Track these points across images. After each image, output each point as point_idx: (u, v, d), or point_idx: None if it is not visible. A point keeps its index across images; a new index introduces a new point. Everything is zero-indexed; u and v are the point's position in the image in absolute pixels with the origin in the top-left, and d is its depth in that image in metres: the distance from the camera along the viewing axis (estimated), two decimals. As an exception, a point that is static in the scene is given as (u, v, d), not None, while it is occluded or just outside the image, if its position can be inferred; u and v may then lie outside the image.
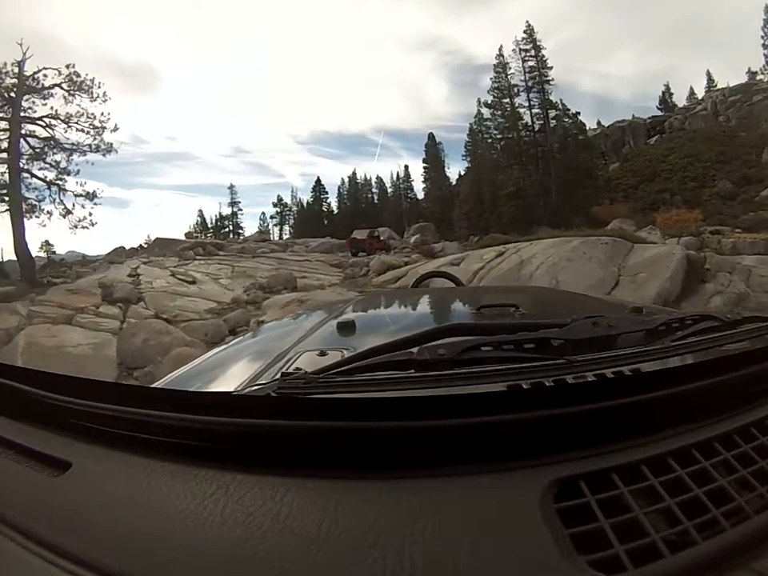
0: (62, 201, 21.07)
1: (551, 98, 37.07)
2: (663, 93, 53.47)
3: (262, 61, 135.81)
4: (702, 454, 0.53)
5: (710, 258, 11.38)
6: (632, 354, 0.78)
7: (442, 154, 51.45)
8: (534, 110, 36.83)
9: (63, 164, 21.06)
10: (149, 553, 0.45)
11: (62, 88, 20.64)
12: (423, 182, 51.91)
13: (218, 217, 62.47)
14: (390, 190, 59.19)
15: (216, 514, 0.47)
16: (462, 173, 46.53)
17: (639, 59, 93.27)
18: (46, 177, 20.93)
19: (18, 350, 8.71)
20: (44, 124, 20.59)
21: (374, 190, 61.75)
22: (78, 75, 20.85)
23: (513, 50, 37.15)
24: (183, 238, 36.99)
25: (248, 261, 22.18)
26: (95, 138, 21.33)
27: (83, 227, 21.42)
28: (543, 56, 36.93)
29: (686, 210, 25.29)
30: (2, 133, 19.87)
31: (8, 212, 19.70)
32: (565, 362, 0.72)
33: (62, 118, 20.70)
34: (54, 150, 20.99)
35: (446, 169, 51.27)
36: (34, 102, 20.45)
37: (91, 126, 21.19)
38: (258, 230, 60.76)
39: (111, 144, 21.79)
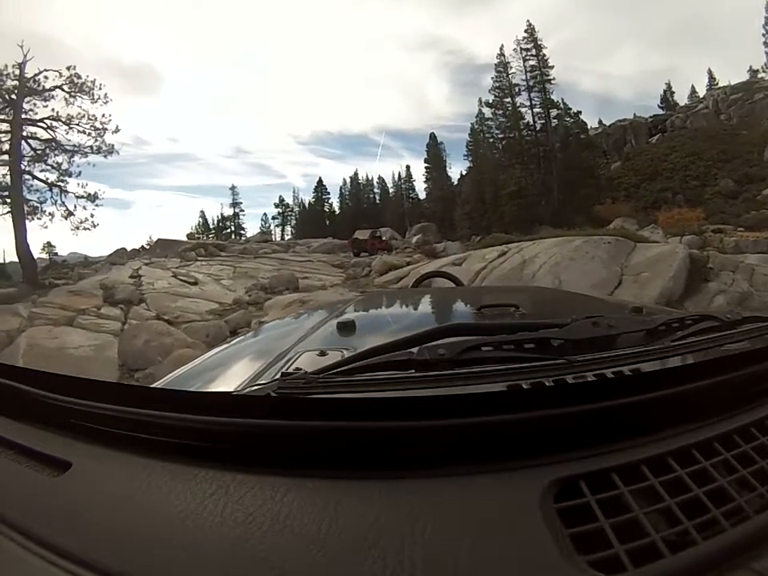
0: (63, 202, 21.08)
1: (552, 97, 37.10)
2: (665, 91, 53.54)
3: (264, 61, 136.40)
4: (702, 454, 0.53)
5: (713, 257, 11.35)
6: (632, 353, 0.78)
7: (443, 153, 51.67)
8: (536, 110, 36.83)
9: (65, 166, 21.08)
10: (149, 553, 0.45)
11: (63, 90, 20.65)
12: (425, 181, 52.07)
13: (219, 217, 62.76)
14: (391, 190, 59.26)
15: (216, 514, 0.47)
16: (464, 172, 46.64)
17: (640, 58, 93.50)
18: (47, 178, 20.97)
19: (20, 352, 8.72)
20: (45, 126, 20.60)
21: (375, 190, 61.82)
22: (79, 77, 20.86)
23: (514, 49, 37.18)
24: (185, 238, 36.94)
25: (250, 261, 22.19)
26: (96, 140, 21.33)
27: (85, 228, 21.45)
28: (544, 55, 36.95)
29: (688, 209, 25.26)
30: (4, 135, 19.90)
31: (10, 214, 19.72)
32: (565, 361, 0.72)
33: (64, 119, 20.70)
34: (56, 152, 21.01)
35: (447, 168, 51.45)
36: (35, 104, 20.46)
37: (92, 128, 21.20)
38: (259, 230, 60.83)
39: (113, 145, 21.81)
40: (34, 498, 0.55)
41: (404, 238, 35.05)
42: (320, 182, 63.70)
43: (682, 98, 53.02)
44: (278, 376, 0.75)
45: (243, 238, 50.24)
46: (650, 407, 0.56)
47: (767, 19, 39.69)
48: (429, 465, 0.51)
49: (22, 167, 20.26)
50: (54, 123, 20.64)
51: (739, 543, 0.44)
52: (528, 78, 36.81)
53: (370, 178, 62.77)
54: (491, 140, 39.83)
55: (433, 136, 52.30)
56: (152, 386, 1.18)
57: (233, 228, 61.33)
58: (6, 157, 19.84)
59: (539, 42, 36.88)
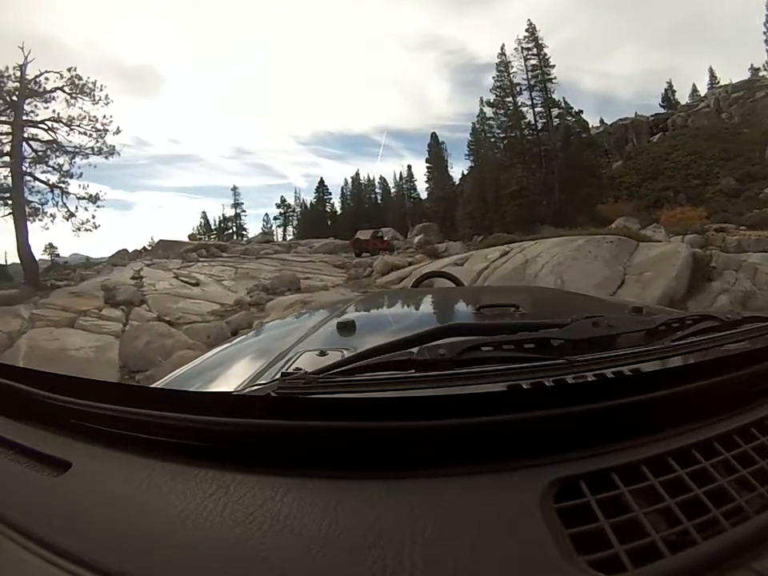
0: (64, 204, 21.06)
1: (554, 96, 37.04)
2: (666, 90, 53.47)
3: (264, 62, 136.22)
4: (702, 454, 0.53)
5: (716, 256, 11.31)
6: (632, 353, 0.78)
7: (444, 153, 51.69)
8: (537, 109, 36.79)
9: (66, 167, 21.07)
10: (149, 553, 0.45)
11: (63, 91, 20.65)
12: (426, 181, 52.11)
13: (221, 218, 62.86)
14: (393, 190, 59.23)
15: (216, 514, 0.48)
16: (465, 172, 46.70)
17: (641, 57, 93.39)
18: (48, 180, 20.96)
19: (21, 354, 8.75)
20: (46, 127, 20.60)
21: (377, 190, 61.86)
22: (80, 78, 20.86)
23: (515, 48, 37.14)
24: (186, 239, 37.02)
25: (251, 262, 22.22)
26: (98, 141, 21.31)
27: (86, 230, 21.41)
28: (545, 54, 36.90)
29: (690, 208, 25.24)
30: (5, 136, 19.93)
31: (11, 215, 19.75)
32: (565, 361, 0.72)
33: (65, 121, 20.70)
34: (57, 153, 21.00)
35: (449, 168, 51.47)
36: (36, 106, 20.46)
37: (93, 129, 21.19)
38: (261, 231, 60.92)
39: (114, 147, 21.76)
40: (34, 497, 0.56)
41: (406, 238, 34.99)
42: (321, 182, 63.90)
43: (683, 97, 53.10)
44: (278, 376, 0.75)
45: (245, 239, 50.22)
46: (649, 407, 0.56)
47: (768, 17, 39.61)
48: (429, 465, 0.51)
49: (24, 169, 20.28)
50: (55, 125, 20.67)
51: (739, 543, 0.44)
52: (529, 77, 36.84)
53: (372, 178, 62.99)
54: (492, 139, 39.79)
55: (434, 136, 52.42)
56: (152, 386, 1.18)
57: (234, 229, 61.46)
58: (7, 158, 19.88)
59: (540, 42, 36.91)
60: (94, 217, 21.46)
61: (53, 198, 20.96)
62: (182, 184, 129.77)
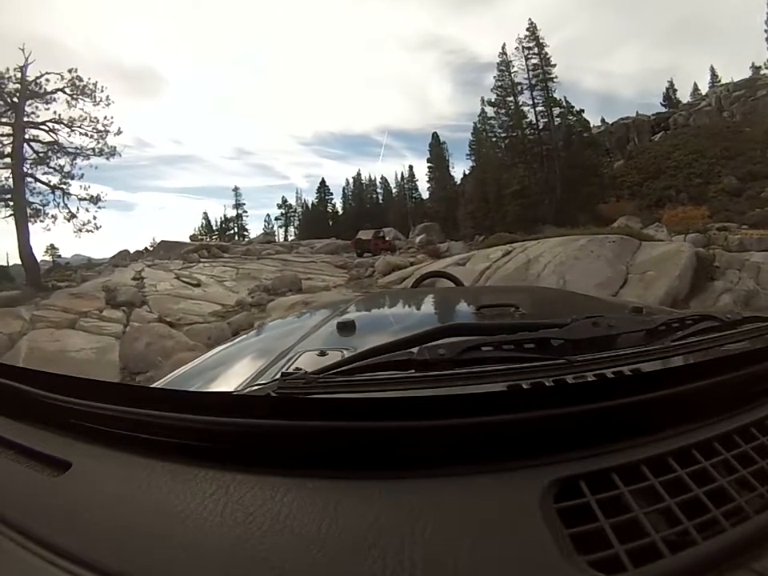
0: (66, 205, 21.08)
1: (555, 95, 36.96)
2: (667, 89, 53.20)
3: (266, 63, 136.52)
4: (702, 454, 0.53)
5: (719, 256, 11.29)
6: (632, 353, 0.78)
7: (446, 153, 51.55)
8: (538, 108, 36.64)
9: (67, 168, 21.08)
10: (149, 553, 0.45)
11: (64, 92, 20.66)
12: (428, 181, 51.98)
13: (222, 219, 62.84)
14: (394, 191, 59.14)
15: (216, 514, 0.48)
16: (467, 172, 46.56)
17: (642, 56, 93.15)
18: (50, 181, 20.97)
19: (21, 355, 8.77)
20: (47, 128, 20.61)
21: (378, 190, 61.69)
22: (81, 79, 20.87)
23: (516, 47, 36.96)
24: (188, 240, 37.08)
25: (253, 263, 22.19)
26: (99, 142, 21.32)
27: (88, 231, 21.44)
28: (546, 54, 36.75)
29: (692, 207, 25.16)
30: (6, 138, 19.95)
31: (12, 216, 19.77)
32: (565, 361, 0.72)
33: (66, 122, 20.73)
34: (58, 155, 21.02)
35: (450, 168, 51.32)
36: (37, 107, 20.47)
37: (95, 130, 21.19)
38: (262, 231, 60.77)
39: (115, 147, 21.78)
40: (34, 497, 0.56)
41: (407, 238, 34.92)
42: (323, 182, 63.70)
43: (684, 96, 52.84)
44: (278, 376, 0.75)
45: (246, 239, 50.20)
46: (649, 407, 0.56)
47: (770, 16, 39.48)
48: (429, 465, 0.51)
49: (25, 170, 20.31)
50: (56, 126, 20.69)
51: (739, 543, 0.44)
52: (530, 76, 36.68)
53: (373, 178, 62.82)
54: (494, 139, 39.68)
55: (435, 135, 52.32)
56: (152, 386, 1.18)
57: (236, 229, 61.43)
58: (8, 160, 19.91)
59: (541, 41, 36.80)
60: (95, 218, 21.52)
61: (54, 199, 21.00)
62: (183, 185, 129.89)
